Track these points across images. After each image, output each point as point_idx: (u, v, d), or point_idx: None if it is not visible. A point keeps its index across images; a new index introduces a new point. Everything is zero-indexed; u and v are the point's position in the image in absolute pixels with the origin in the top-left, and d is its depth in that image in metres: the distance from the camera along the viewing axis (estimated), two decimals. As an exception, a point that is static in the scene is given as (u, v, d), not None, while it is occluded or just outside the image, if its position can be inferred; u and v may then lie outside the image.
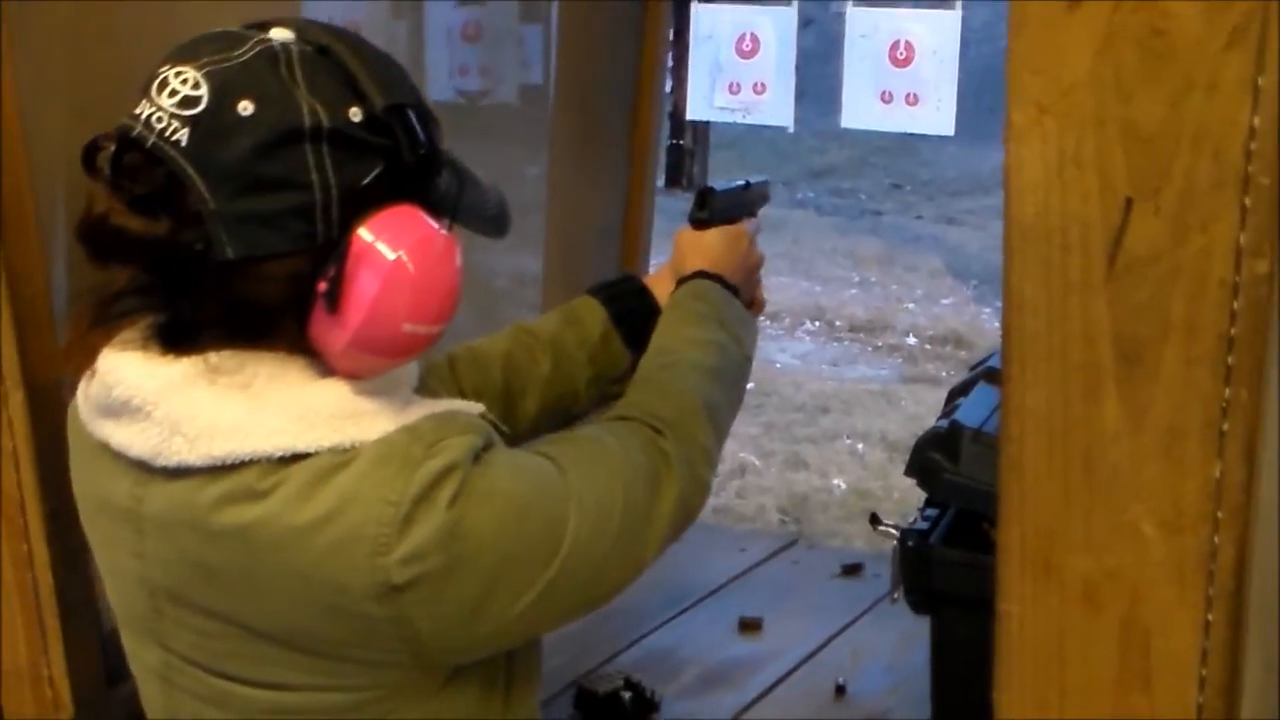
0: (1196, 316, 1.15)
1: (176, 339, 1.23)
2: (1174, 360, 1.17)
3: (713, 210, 1.69)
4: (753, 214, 1.77)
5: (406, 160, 1.20)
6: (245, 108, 1.15)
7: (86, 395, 1.27)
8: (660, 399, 1.46)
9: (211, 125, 1.15)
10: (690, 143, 10.79)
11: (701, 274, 1.64)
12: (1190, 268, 1.15)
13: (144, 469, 1.22)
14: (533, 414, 1.62)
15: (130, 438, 1.22)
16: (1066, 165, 1.17)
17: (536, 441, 1.38)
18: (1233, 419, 1.16)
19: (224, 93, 1.16)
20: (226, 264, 1.16)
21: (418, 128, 1.21)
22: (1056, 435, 1.21)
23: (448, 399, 1.32)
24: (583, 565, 1.27)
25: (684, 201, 9.93)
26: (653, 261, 2.96)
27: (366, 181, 1.18)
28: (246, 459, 1.18)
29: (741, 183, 1.77)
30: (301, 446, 1.19)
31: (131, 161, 1.18)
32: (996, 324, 7.78)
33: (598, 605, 1.37)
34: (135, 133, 1.17)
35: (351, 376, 1.22)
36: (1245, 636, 1.20)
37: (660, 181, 6.17)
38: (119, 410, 1.23)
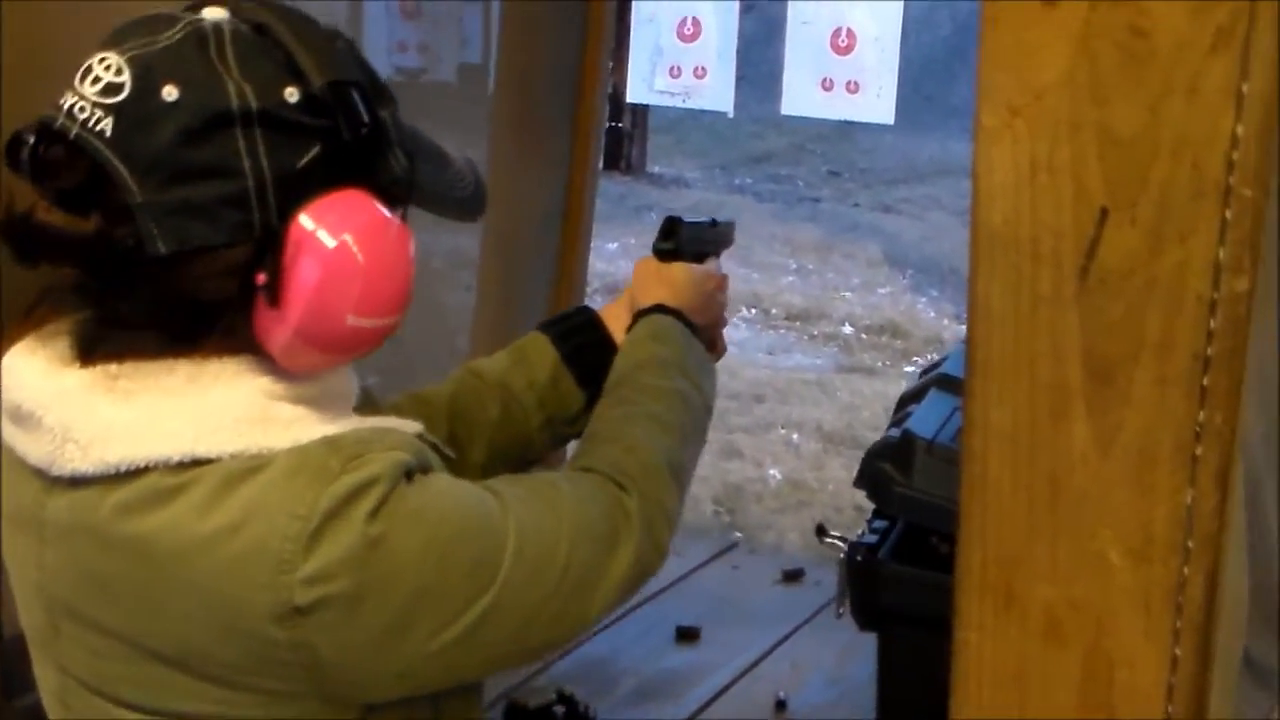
0: (1171, 335, 1.09)
1: (94, 345, 1.15)
2: (1146, 380, 1.10)
3: (679, 241, 1.61)
4: (717, 254, 1.68)
5: (346, 140, 1.12)
6: (170, 93, 1.08)
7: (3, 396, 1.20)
8: (625, 454, 1.37)
9: (135, 113, 1.08)
10: (629, 125, 10.71)
11: (660, 308, 1.55)
12: (1166, 283, 1.09)
13: (45, 476, 1.15)
14: (482, 460, 1.53)
15: (28, 445, 1.16)
16: (1038, 171, 1.10)
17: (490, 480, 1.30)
18: (1206, 443, 1.10)
19: (148, 78, 1.08)
20: (160, 260, 1.08)
21: (360, 106, 1.12)
22: (1022, 456, 1.14)
23: (381, 417, 1.24)
24: (513, 611, 1.19)
25: (621, 185, 9.93)
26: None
27: (303, 164, 1.11)
28: (144, 464, 1.11)
29: (708, 220, 1.70)
30: (201, 451, 1.11)
31: (54, 155, 1.10)
32: (932, 314, 7.77)
33: (529, 658, 1.30)
34: (58, 124, 1.09)
35: (299, 373, 1.16)
36: (1213, 672, 1.14)
37: (598, 165, 6.11)
38: (18, 416, 1.16)
